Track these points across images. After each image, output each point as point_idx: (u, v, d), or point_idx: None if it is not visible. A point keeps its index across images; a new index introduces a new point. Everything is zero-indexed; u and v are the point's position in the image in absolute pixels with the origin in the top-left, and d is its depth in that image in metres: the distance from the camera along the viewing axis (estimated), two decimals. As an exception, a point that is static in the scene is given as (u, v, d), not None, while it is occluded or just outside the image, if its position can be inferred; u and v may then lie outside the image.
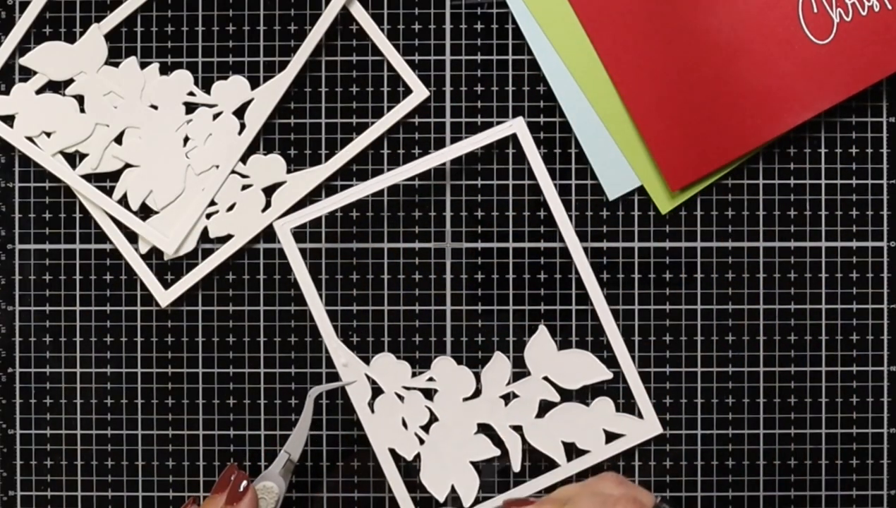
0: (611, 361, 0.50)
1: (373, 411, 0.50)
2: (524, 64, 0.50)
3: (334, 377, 0.50)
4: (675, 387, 0.50)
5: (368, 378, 0.50)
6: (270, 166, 0.50)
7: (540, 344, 0.50)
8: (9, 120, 0.50)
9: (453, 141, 0.50)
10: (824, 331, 0.50)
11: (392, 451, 0.49)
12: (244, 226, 0.50)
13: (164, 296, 0.50)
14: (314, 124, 0.50)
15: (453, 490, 0.49)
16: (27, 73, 0.51)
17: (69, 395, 0.51)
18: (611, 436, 0.49)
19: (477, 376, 0.50)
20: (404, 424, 0.49)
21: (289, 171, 0.50)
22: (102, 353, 0.51)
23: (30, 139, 0.50)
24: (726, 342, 0.50)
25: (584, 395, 0.50)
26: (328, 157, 0.50)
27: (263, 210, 0.50)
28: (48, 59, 0.50)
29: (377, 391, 0.50)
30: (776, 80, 0.49)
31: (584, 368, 0.49)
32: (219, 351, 0.51)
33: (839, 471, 0.50)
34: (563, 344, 0.50)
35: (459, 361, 0.50)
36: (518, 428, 0.49)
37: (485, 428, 0.50)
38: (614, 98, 0.49)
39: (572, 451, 0.49)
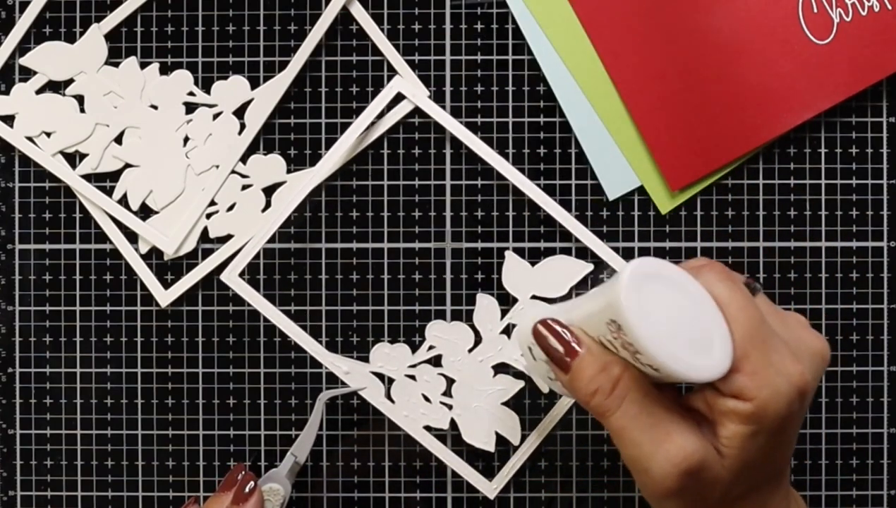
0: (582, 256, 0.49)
1: (392, 401, 0.50)
2: (524, 64, 0.50)
3: (335, 374, 0.50)
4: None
5: (375, 374, 0.50)
6: (270, 166, 0.50)
7: (513, 267, 0.50)
8: (9, 120, 0.50)
9: (453, 142, 0.50)
10: (824, 331, 0.50)
11: (427, 428, 0.50)
12: (244, 226, 0.50)
13: (164, 296, 0.50)
14: (314, 124, 0.50)
15: (499, 437, 0.50)
16: (27, 73, 0.51)
17: (69, 395, 0.51)
18: None
19: (472, 325, 0.50)
20: (427, 399, 0.50)
21: (289, 171, 0.50)
22: (102, 353, 0.51)
23: (30, 139, 0.50)
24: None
25: (576, 296, 0.50)
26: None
27: (263, 210, 0.50)
28: (48, 59, 0.50)
29: (388, 381, 0.50)
30: (776, 80, 0.49)
31: (564, 271, 0.50)
32: (219, 351, 0.51)
33: (839, 471, 0.50)
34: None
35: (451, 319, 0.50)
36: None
37: (501, 367, 0.50)
38: (614, 98, 0.49)
39: None
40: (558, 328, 0.37)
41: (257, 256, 0.50)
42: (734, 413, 0.35)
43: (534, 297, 0.49)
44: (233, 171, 0.50)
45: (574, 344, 0.37)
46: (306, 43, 0.50)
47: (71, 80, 0.50)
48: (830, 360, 0.45)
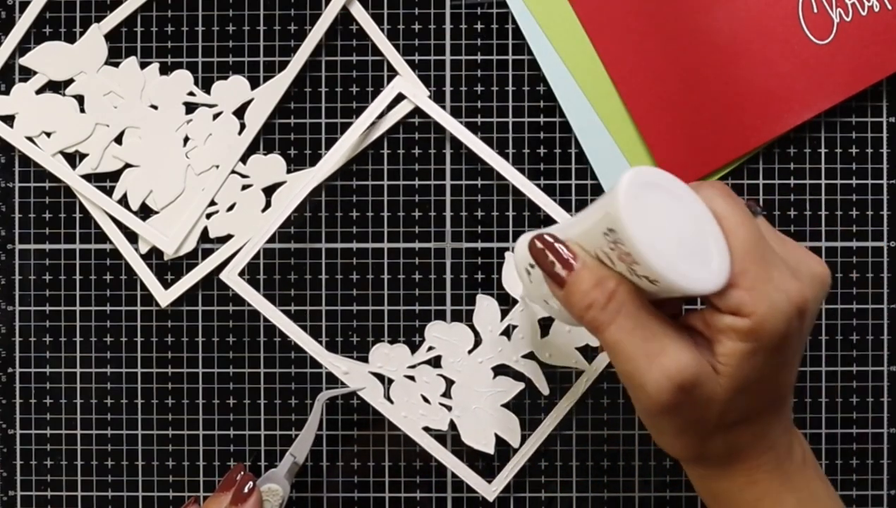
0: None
1: (391, 401, 0.50)
2: (524, 64, 0.50)
3: (335, 374, 0.50)
4: (675, 387, 0.50)
5: (374, 374, 0.50)
6: (270, 166, 0.50)
7: (513, 268, 0.50)
8: (9, 120, 0.50)
9: (453, 142, 0.50)
10: (824, 331, 0.50)
11: (426, 429, 0.50)
12: (244, 226, 0.50)
13: (164, 296, 0.50)
14: (314, 124, 0.50)
15: (498, 439, 0.50)
16: (27, 73, 0.51)
17: (69, 395, 0.51)
18: None
19: (471, 326, 0.50)
20: (426, 400, 0.50)
21: (289, 171, 0.50)
22: (102, 353, 0.51)
23: (30, 139, 0.50)
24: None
25: None
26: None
27: (263, 210, 0.50)
28: (48, 59, 0.50)
29: (388, 381, 0.50)
30: (776, 80, 0.49)
31: None
32: (219, 351, 0.51)
33: (839, 471, 0.50)
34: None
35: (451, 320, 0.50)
36: (530, 355, 0.50)
37: (501, 369, 0.50)
38: (614, 98, 0.49)
39: (588, 352, 0.50)
40: (554, 243, 0.37)
41: (257, 256, 0.50)
42: (731, 329, 0.34)
43: None
44: (233, 171, 0.50)
45: (569, 258, 0.36)
46: (306, 43, 0.50)
47: (71, 80, 0.50)
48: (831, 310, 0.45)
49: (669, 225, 0.34)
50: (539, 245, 0.37)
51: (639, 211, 0.33)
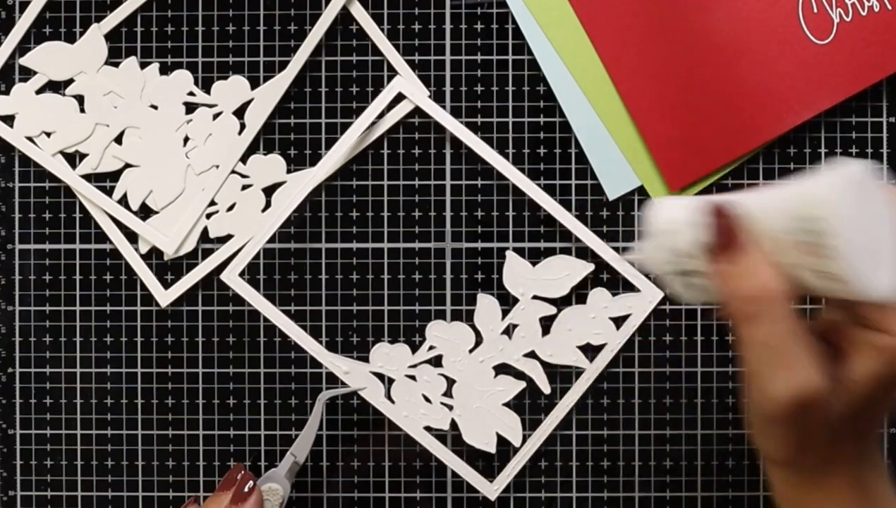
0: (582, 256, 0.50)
1: (392, 401, 0.50)
2: (524, 64, 0.50)
3: (335, 374, 0.50)
4: (676, 387, 0.50)
5: (375, 374, 0.50)
6: (270, 166, 0.50)
7: (514, 267, 0.50)
8: (9, 120, 0.50)
9: (453, 142, 0.50)
10: (824, 331, 0.50)
11: (427, 428, 0.50)
12: (244, 226, 0.50)
13: (164, 296, 0.50)
14: (314, 124, 0.50)
15: (499, 438, 0.50)
16: (27, 73, 0.51)
17: (69, 395, 0.51)
18: (618, 321, 0.49)
19: (472, 326, 0.50)
20: (427, 400, 0.50)
21: (289, 171, 0.50)
22: (102, 353, 0.51)
23: (30, 139, 0.50)
24: (727, 341, 0.50)
25: (577, 296, 0.50)
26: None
27: (263, 210, 0.50)
28: (48, 59, 0.50)
29: (389, 381, 0.50)
30: (776, 80, 0.49)
31: (565, 271, 0.50)
32: (219, 351, 0.51)
33: (839, 471, 0.50)
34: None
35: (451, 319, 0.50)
36: (531, 354, 0.50)
37: (502, 368, 0.50)
38: (614, 98, 0.49)
39: (589, 351, 0.50)
40: (730, 216, 0.35)
41: (257, 256, 0.50)
42: (876, 347, 0.33)
43: (535, 298, 0.50)
44: (233, 171, 0.50)
45: (740, 239, 0.34)
46: (306, 43, 0.50)
47: (71, 80, 0.50)
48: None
49: (864, 225, 0.33)
50: (713, 214, 0.35)
51: (849, 208, 0.32)
